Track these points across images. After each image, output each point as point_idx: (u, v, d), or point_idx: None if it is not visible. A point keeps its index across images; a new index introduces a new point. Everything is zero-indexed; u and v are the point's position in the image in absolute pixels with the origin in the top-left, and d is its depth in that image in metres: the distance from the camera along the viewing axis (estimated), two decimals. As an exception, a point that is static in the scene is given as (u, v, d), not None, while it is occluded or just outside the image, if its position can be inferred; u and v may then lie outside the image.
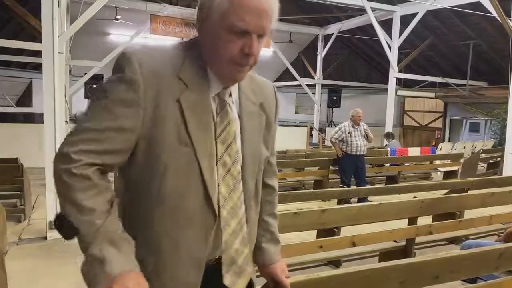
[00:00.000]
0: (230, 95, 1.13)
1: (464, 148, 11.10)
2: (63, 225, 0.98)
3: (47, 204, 4.60)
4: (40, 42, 4.65)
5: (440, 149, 10.82)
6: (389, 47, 11.06)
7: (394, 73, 11.24)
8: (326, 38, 14.71)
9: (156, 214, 1.05)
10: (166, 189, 1.03)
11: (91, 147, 0.98)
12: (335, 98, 16.60)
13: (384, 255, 3.69)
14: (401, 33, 11.14)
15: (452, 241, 4.37)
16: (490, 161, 10.09)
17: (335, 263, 3.77)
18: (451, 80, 13.28)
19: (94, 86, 11.85)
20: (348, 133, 6.70)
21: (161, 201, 1.04)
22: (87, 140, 0.98)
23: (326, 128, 15.71)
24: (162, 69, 1.03)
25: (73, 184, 0.96)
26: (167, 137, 1.01)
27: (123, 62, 1.01)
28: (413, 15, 10.86)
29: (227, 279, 1.12)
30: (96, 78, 11.43)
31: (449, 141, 13.67)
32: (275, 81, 16.23)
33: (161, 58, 1.05)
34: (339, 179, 7.04)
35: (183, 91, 1.03)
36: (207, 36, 1.07)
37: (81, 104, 14.30)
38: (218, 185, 1.08)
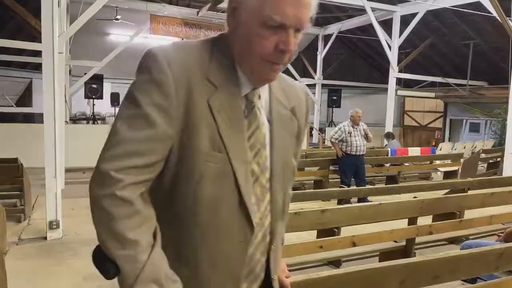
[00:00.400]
0: (259, 97, 1.03)
1: (464, 148, 11.10)
2: (102, 261, 0.88)
3: (47, 204, 4.59)
4: (40, 42, 4.65)
5: (440, 149, 10.81)
6: (389, 47, 11.06)
7: (394, 73, 11.23)
8: (326, 38, 14.70)
9: (191, 226, 0.96)
10: (201, 199, 0.94)
11: (132, 162, 0.87)
12: (335, 98, 16.59)
13: (384, 255, 3.68)
14: (401, 33, 11.14)
15: (452, 241, 4.37)
16: (490, 161, 10.08)
17: (335, 263, 3.77)
18: (451, 80, 13.28)
19: (94, 86, 11.87)
20: (348, 133, 6.70)
21: (196, 212, 0.95)
22: (127, 154, 0.87)
23: (326, 128, 15.70)
24: (191, 68, 0.93)
25: (116, 212, 0.85)
26: (201, 142, 0.92)
27: (150, 62, 0.91)
28: (413, 15, 10.86)
29: None
30: (96, 78, 11.44)
31: (449, 141, 13.67)
32: (275, 81, 16.17)
33: (188, 57, 0.95)
34: (339, 179, 7.04)
35: (213, 93, 0.94)
36: (237, 30, 0.96)
37: (81, 104, 14.34)
38: None
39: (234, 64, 0.99)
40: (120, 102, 0.95)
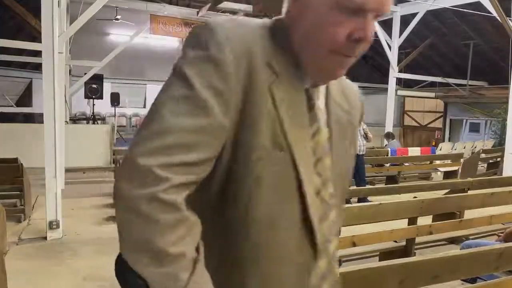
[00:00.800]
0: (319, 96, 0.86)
1: (464, 148, 11.10)
2: (129, 279, 0.68)
3: (47, 204, 4.60)
4: (40, 42, 4.65)
5: (440, 149, 10.82)
6: (389, 47, 11.06)
7: (394, 73, 11.24)
8: (326, 38, 14.69)
9: (241, 243, 0.77)
10: (257, 209, 0.76)
11: (181, 157, 0.68)
12: (335, 98, 16.57)
13: (384, 255, 3.68)
14: (401, 33, 11.14)
15: (452, 241, 4.37)
16: (490, 161, 10.09)
17: (335, 263, 3.76)
18: (451, 80, 13.29)
19: (94, 86, 11.82)
20: (348, 133, 6.70)
21: (250, 225, 0.76)
22: (176, 147, 0.68)
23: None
24: (252, 48, 0.75)
25: (160, 218, 0.65)
26: (260, 137, 0.74)
27: (206, 35, 0.73)
28: (413, 15, 10.86)
29: None
30: (96, 78, 11.45)
31: (449, 141, 13.68)
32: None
33: (250, 35, 0.77)
34: (339, 179, 7.03)
35: (274, 80, 0.77)
36: (301, 15, 0.78)
37: (80, 104, 14.33)
38: None
39: (294, 55, 0.80)
40: (167, 79, 0.75)
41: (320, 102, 0.86)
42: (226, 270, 0.78)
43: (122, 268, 0.69)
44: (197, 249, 0.71)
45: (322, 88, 0.86)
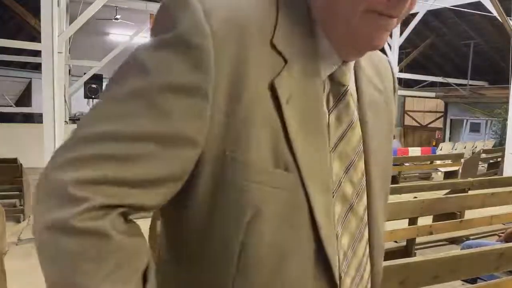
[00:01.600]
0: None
1: (465, 148, 11.10)
2: None
3: (46, 204, 4.59)
4: (40, 41, 4.65)
5: (441, 149, 10.81)
6: (390, 46, 11.05)
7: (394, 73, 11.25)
8: (326, 38, 14.71)
9: None
10: (255, 251, 0.56)
11: (111, 171, 0.49)
12: (335, 98, 16.59)
13: (385, 255, 3.66)
14: (401, 32, 11.13)
15: (453, 241, 4.37)
16: (491, 161, 10.08)
17: (335, 263, 3.76)
18: (451, 80, 13.29)
19: (94, 85, 11.85)
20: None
21: (246, 271, 0.56)
22: (104, 157, 0.50)
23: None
24: (245, 24, 0.54)
25: (74, 252, 0.48)
26: (256, 154, 0.54)
27: (176, 11, 0.52)
28: (413, 15, 10.85)
29: None
30: (96, 78, 11.45)
31: (449, 141, 13.68)
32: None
33: (241, 5, 0.55)
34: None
35: (280, 69, 0.55)
36: None
37: (80, 104, 14.35)
38: (337, 235, 0.61)
39: (311, 23, 0.59)
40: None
41: (351, 85, 0.65)
42: None
43: None
44: (143, 281, 0.53)
45: (350, 65, 0.65)
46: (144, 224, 0.78)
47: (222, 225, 0.56)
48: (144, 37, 11.79)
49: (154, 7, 11.47)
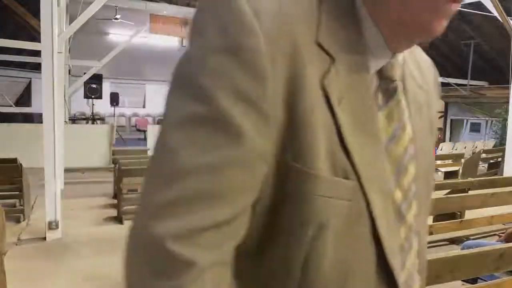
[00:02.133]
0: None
1: (465, 148, 11.10)
2: None
3: (46, 205, 4.58)
4: (39, 41, 4.64)
5: (441, 149, 10.82)
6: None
7: (394, 73, 11.25)
8: (326, 38, 14.71)
9: None
10: (319, 268, 0.51)
11: (207, 215, 0.44)
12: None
13: (384, 255, 3.68)
14: (401, 32, 11.15)
15: (453, 241, 4.37)
16: (491, 161, 10.08)
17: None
18: (451, 80, 13.28)
19: (94, 85, 11.81)
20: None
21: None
22: (196, 200, 0.44)
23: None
24: (294, 22, 0.49)
25: None
26: (319, 163, 0.49)
27: (223, 14, 0.47)
28: (413, 14, 10.86)
29: None
30: (96, 77, 11.45)
31: (449, 141, 13.68)
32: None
33: (287, 1, 0.49)
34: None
35: (328, 68, 0.50)
36: None
37: (80, 104, 14.33)
38: None
39: (357, 10, 0.54)
40: (168, 91, 0.49)
41: (399, 82, 0.58)
42: None
43: None
44: None
45: (399, 58, 0.58)
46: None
47: (281, 242, 0.51)
48: (143, 37, 11.81)
49: (154, 7, 11.48)
